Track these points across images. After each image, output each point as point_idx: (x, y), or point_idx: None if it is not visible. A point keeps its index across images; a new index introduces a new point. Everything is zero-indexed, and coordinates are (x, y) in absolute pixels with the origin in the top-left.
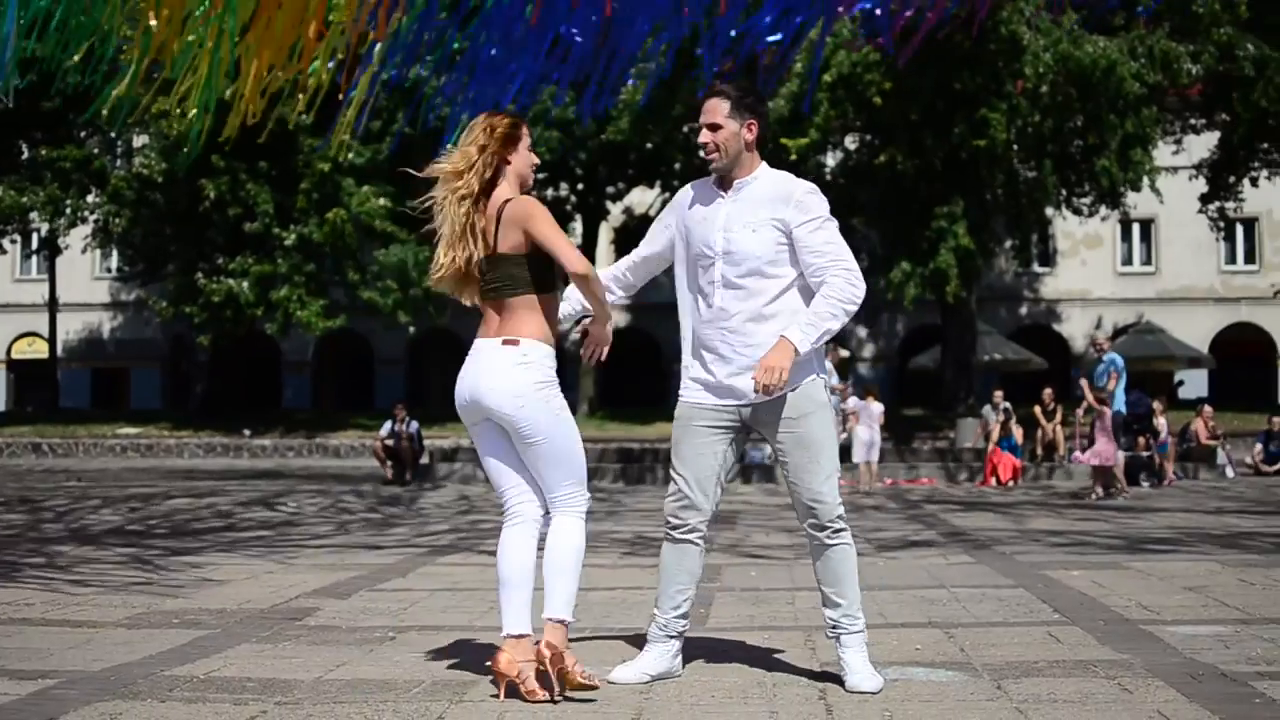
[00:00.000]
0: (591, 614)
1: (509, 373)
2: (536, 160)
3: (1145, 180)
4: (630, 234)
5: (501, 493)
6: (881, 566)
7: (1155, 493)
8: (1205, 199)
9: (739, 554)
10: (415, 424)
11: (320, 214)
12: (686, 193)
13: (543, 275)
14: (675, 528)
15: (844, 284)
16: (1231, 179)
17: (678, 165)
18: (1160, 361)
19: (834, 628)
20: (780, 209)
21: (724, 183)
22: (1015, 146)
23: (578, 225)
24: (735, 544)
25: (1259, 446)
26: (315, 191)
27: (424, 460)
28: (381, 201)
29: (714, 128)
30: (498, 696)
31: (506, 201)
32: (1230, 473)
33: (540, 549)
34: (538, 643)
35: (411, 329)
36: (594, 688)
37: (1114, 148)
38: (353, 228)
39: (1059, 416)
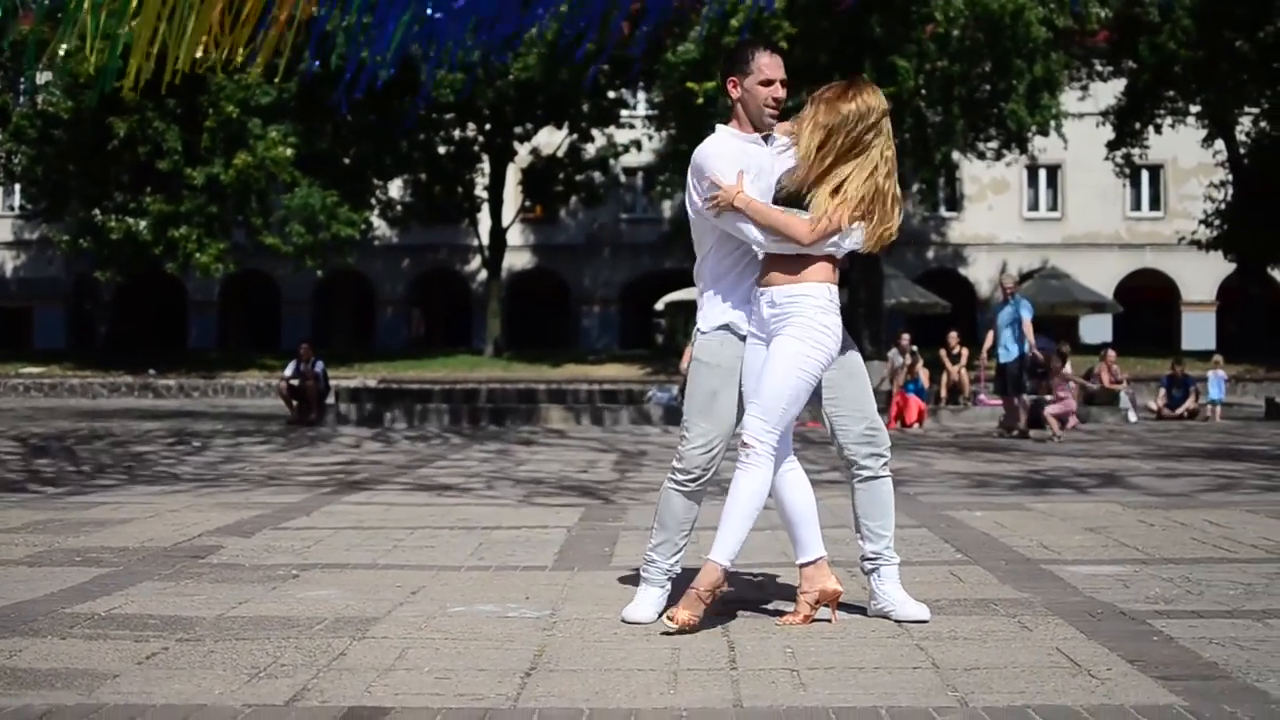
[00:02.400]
0: (496, 552)
1: None
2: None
3: (1052, 125)
4: (537, 175)
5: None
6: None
7: (1058, 435)
8: (1111, 146)
9: (643, 493)
10: (321, 364)
11: (227, 155)
12: (733, 143)
13: None
14: (697, 479)
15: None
16: (1137, 126)
17: (585, 107)
18: (1065, 307)
19: (875, 559)
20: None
21: (763, 137)
22: (923, 91)
23: (485, 166)
24: (640, 483)
25: (1162, 391)
26: (221, 131)
27: (329, 400)
28: (288, 152)
29: (784, 83)
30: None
31: None
32: (1133, 417)
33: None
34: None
35: (320, 273)
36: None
37: (1022, 92)
38: (259, 173)
39: (964, 359)
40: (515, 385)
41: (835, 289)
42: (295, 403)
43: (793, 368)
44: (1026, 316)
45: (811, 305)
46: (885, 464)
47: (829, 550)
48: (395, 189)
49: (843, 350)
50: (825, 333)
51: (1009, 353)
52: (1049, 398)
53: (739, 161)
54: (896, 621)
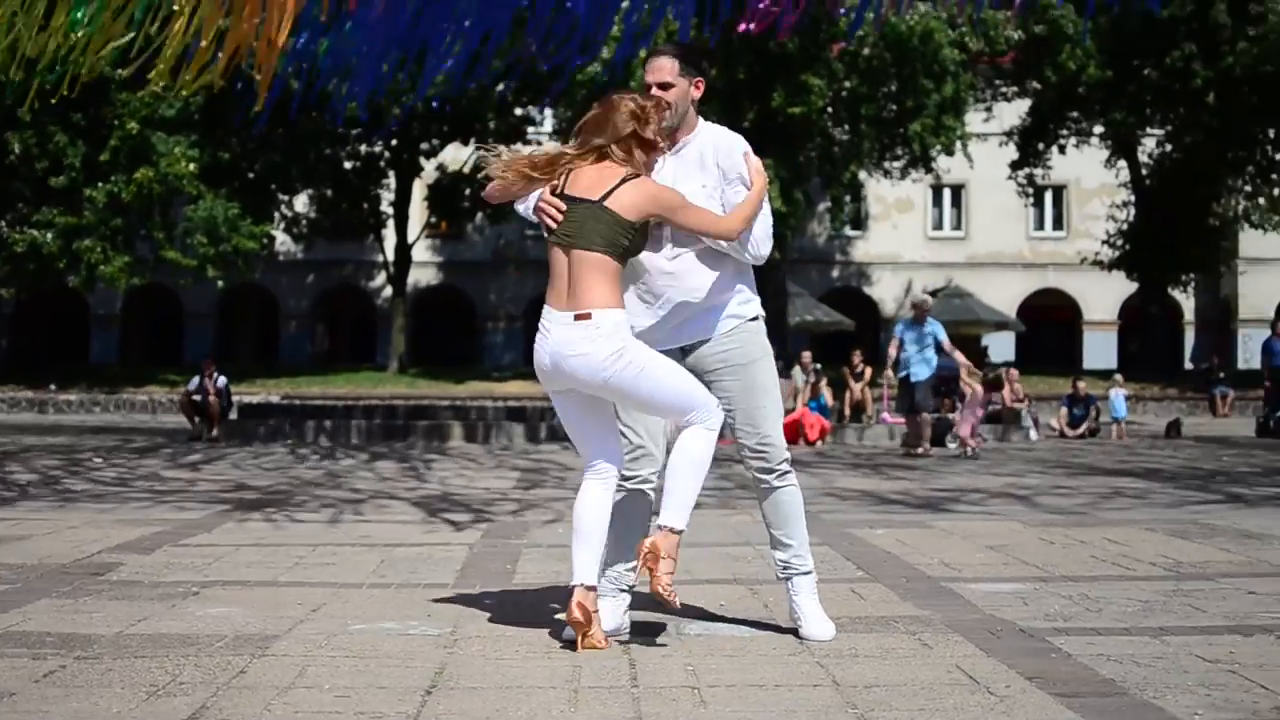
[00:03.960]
0: (398, 569)
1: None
2: None
3: (957, 145)
4: (444, 191)
5: (583, 452)
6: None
7: (960, 454)
8: (1015, 166)
9: (546, 510)
10: (223, 379)
11: (129, 170)
12: None
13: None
14: (627, 479)
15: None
16: (1041, 146)
17: (492, 123)
18: (968, 326)
19: (785, 568)
20: (724, 158)
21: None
22: (830, 110)
23: (391, 181)
24: (543, 501)
25: (1063, 410)
26: (123, 147)
27: (231, 416)
28: (191, 167)
29: (665, 86)
30: (572, 646)
31: None
32: (1035, 435)
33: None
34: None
35: (220, 284)
36: (670, 604)
37: (930, 113)
38: (161, 187)
39: (868, 378)
40: (419, 402)
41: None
42: (197, 418)
43: None
44: (945, 338)
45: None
46: (781, 475)
47: (731, 568)
48: (300, 204)
49: (748, 360)
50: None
51: (918, 373)
52: (952, 415)
53: None
54: (799, 639)
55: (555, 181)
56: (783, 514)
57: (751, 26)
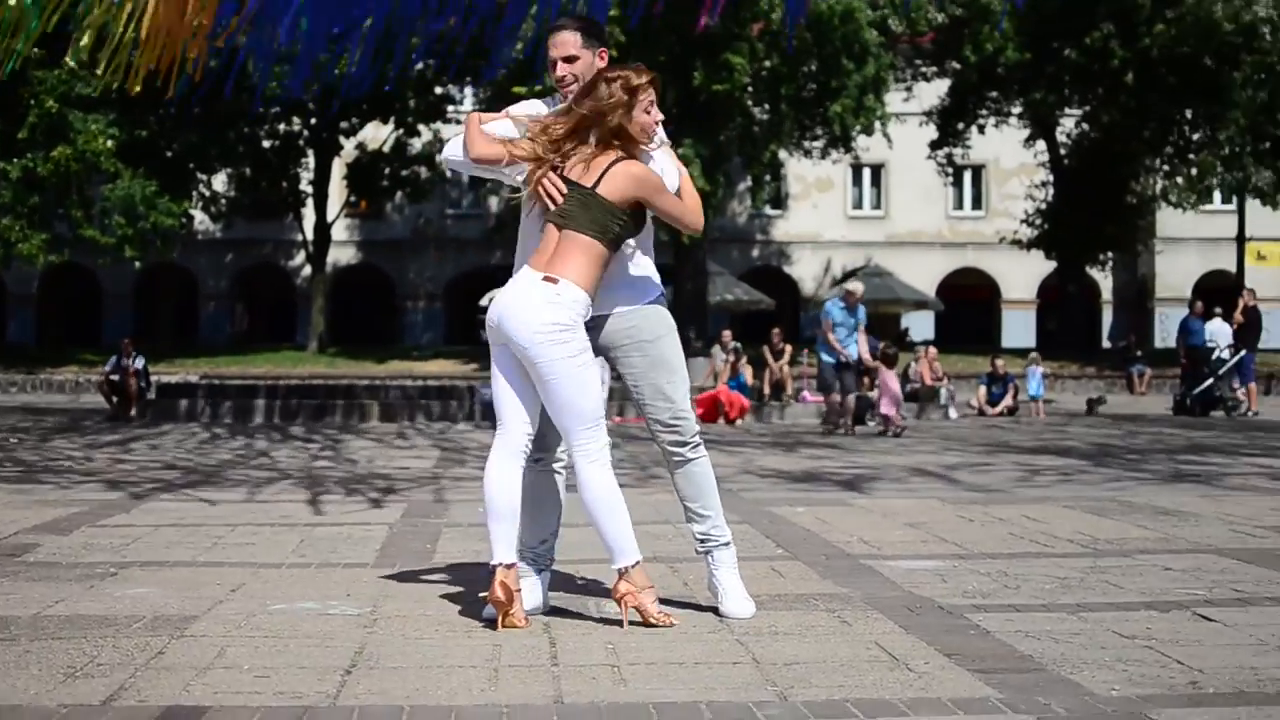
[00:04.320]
0: (318, 549)
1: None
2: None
3: (877, 125)
4: (363, 170)
5: (501, 415)
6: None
7: (882, 431)
8: (934, 145)
9: (466, 490)
10: (142, 360)
11: (47, 147)
12: (521, 108)
13: None
14: (536, 460)
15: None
16: (960, 126)
17: (412, 102)
18: (888, 305)
19: (703, 541)
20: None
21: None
22: (750, 89)
23: (310, 160)
24: (463, 480)
25: (982, 388)
26: (41, 124)
27: (150, 396)
28: (109, 144)
29: (570, 60)
30: (492, 625)
31: None
32: (953, 413)
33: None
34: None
35: (138, 264)
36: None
37: (851, 93)
38: (78, 165)
39: (787, 356)
40: (339, 381)
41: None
42: (116, 398)
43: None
44: (863, 325)
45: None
46: (694, 448)
47: (651, 546)
48: (219, 183)
49: (654, 336)
50: None
51: (831, 357)
52: (871, 394)
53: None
54: (719, 617)
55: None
56: (697, 486)
57: (705, 21)
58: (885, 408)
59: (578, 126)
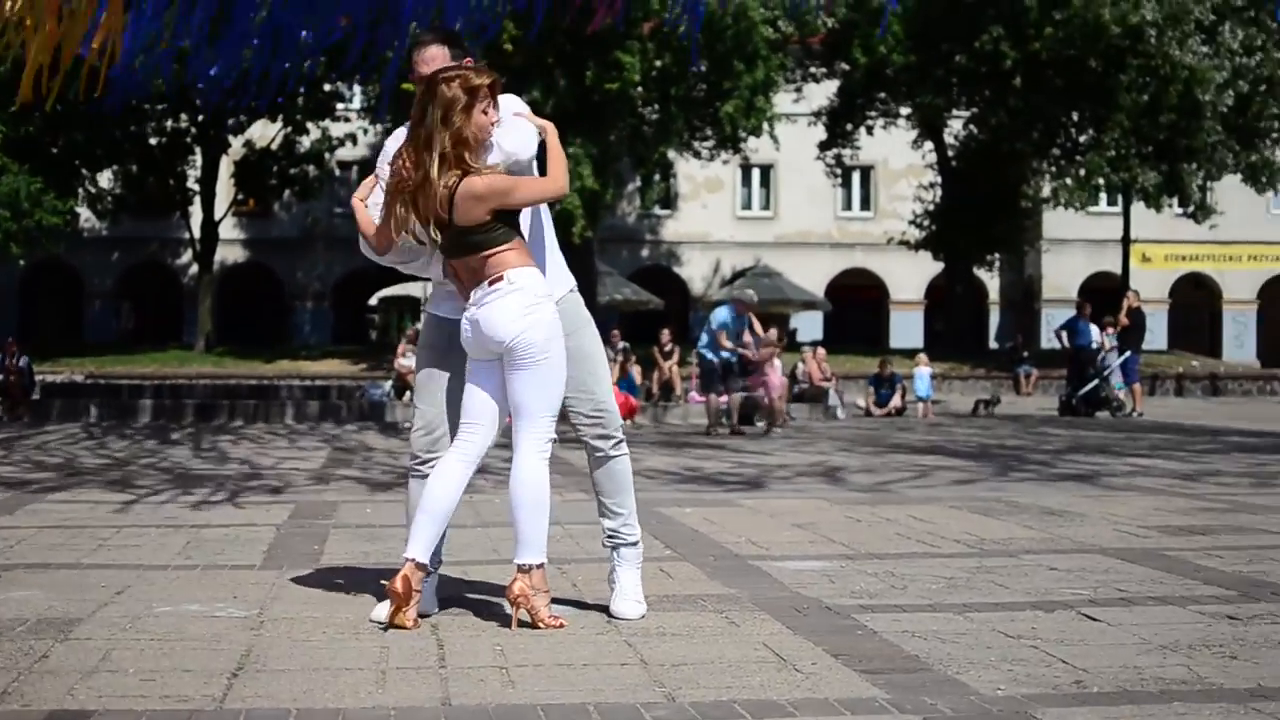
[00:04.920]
0: (204, 551)
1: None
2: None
3: (766, 127)
4: (251, 168)
5: (463, 423)
6: (498, 503)
7: (767, 431)
8: (823, 146)
9: (354, 491)
10: (26, 359)
11: None
12: (400, 140)
13: None
14: (425, 462)
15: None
16: (849, 127)
17: (300, 99)
18: (777, 305)
19: (611, 537)
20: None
21: None
22: (640, 89)
23: (198, 158)
24: (351, 481)
25: (870, 388)
26: None
27: (35, 396)
28: None
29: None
30: (382, 622)
31: None
32: (842, 414)
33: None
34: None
35: (21, 261)
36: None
37: (742, 93)
38: None
39: (676, 357)
40: (227, 381)
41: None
42: (0, 398)
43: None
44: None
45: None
46: (617, 444)
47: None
48: (105, 180)
49: (572, 329)
50: None
51: (718, 355)
52: (760, 393)
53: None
54: (608, 618)
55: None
56: (617, 482)
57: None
58: (771, 392)
59: (421, 151)
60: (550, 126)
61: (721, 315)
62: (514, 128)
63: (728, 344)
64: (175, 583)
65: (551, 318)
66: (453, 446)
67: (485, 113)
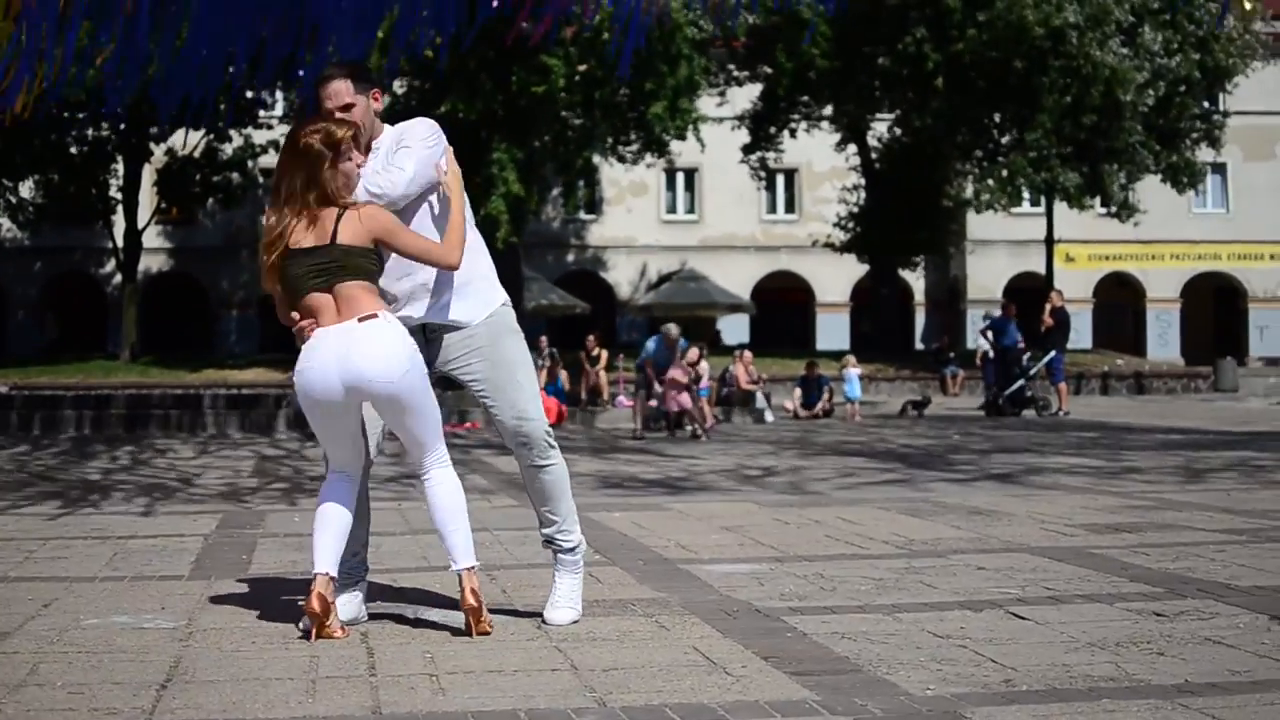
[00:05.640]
0: (131, 562)
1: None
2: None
3: (691, 129)
4: (173, 175)
5: (334, 458)
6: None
7: (694, 435)
8: (747, 150)
9: (282, 500)
10: None
11: None
12: None
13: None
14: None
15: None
16: (772, 130)
17: (223, 106)
18: (703, 308)
19: (548, 543)
20: (400, 138)
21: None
22: (564, 93)
23: (119, 167)
24: (278, 490)
25: (797, 391)
26: None
27: None
28: None
29: (346, 108)
30: (307, 636)
31: None
32: (769, 416)
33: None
34: (464, 593)
35: None
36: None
37: (666, 95)
38: None
39: (603, 361)
40: (152, 391)
41: (319, 331)
42: None
43: None
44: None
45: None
46: (544, 451)
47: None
48: (26, 189)
49: (492, 339)
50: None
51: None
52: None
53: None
54: (538, 624)
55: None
56: (547, 491)
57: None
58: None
59: (282, 207)
60: (452, 180)
61: (649, 347)
62: (391, 166)
63: (650, 375)
64: (103, 594)
65: (414, 351)
66: (334, 474)
67: (349, 158)
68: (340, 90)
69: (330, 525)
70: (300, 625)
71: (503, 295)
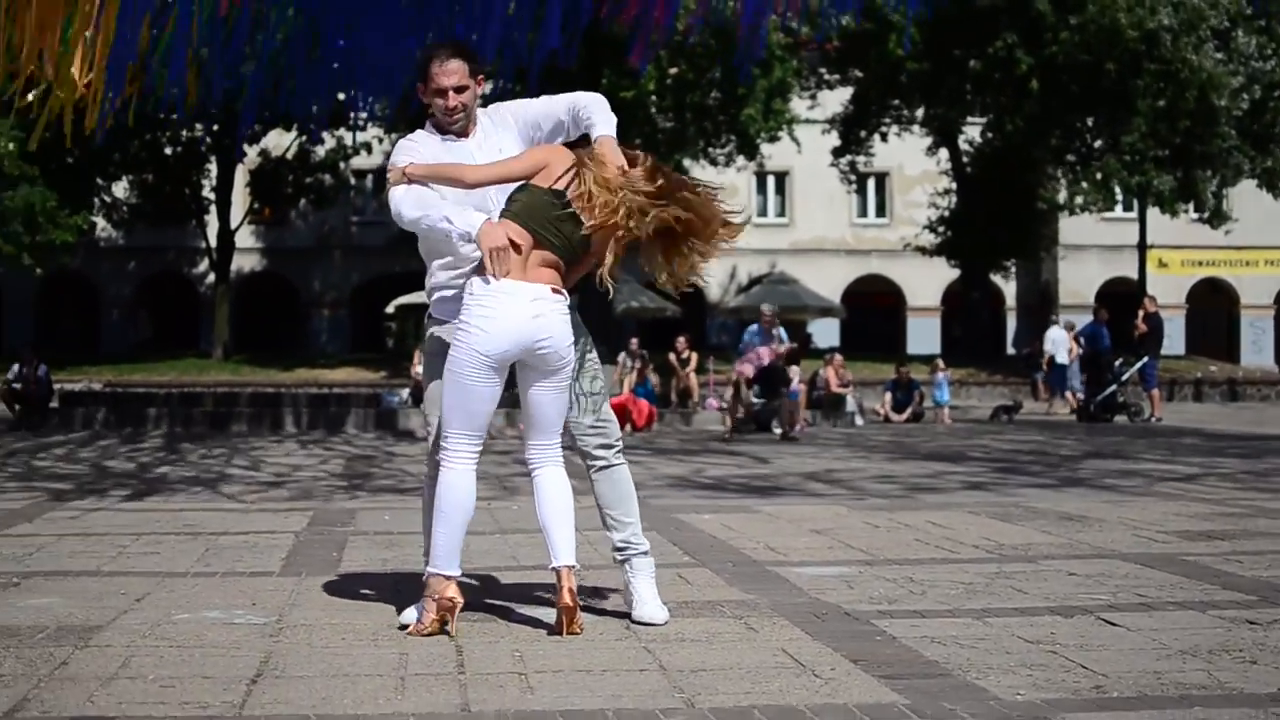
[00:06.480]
0: (223, 558)
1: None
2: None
3: (784, 131)
4: (267, 177)
5: (472, 435)
6: (516, 510)
7: (782, 437)
8: (837, 153)
9: (373, 498)
10: (44, 367)
11: None
12: (417, 150)
13: None
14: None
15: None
16: (863, 134)
17: (315, 108)
18: (793, 312)
19: (622, 550)
20: (510, 127)
21: (461, 134)
22: (654, 96)
23: (213, 168)
24: (370, 488)
25: (887, 395)
26: None
27: (53, 404)
28: (11, 146)
29: (461, 89)
30: (448, 632)
31: None
32: (860, 420)
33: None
34: (561, 592)
35: (39, 271)
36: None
37: (757, 96)
38: None
39: (693, 364)
40: (244, 389)
41: (510, 285)
42: (18, 406)
43: (447, 368)
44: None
45: (467, 298)
46: (618, 452)
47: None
48: (120, 189)
49: (575, 344)
50: (463, 329)
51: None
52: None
53: (418, 155)
54: (632, 622)
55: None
56: (620, 492)
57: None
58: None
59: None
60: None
61: (746, 337)
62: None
63: (746, 369)
64: (194, 590)
65: None
66: (459, 455)
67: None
68: (459, 70)
69: (460, 520)
70: (404, 617)
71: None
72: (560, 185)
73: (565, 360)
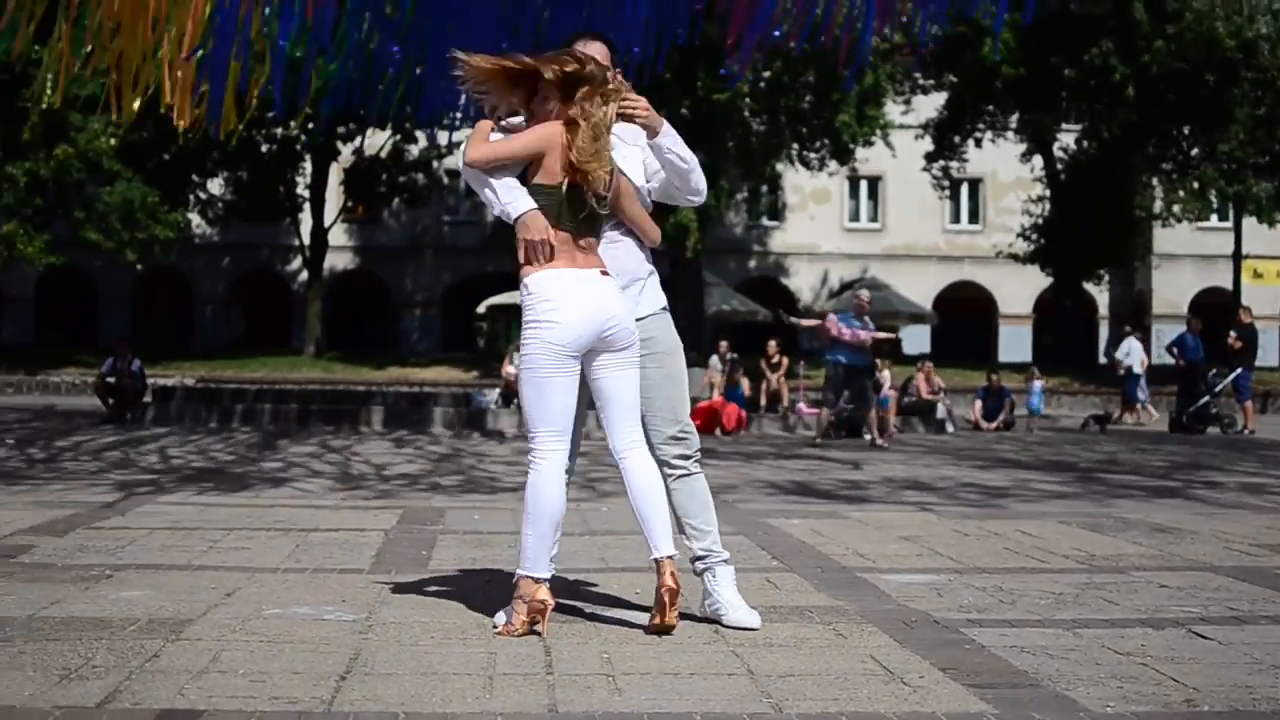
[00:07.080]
0: (313, 554)
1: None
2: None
3: (879, 135)
4: (361, 175)
5: (558, 434)
6: (605, 512)
7: (872, 444)
8: (930, 158)
9: (463, 497)
10: (138, 362)
11: (49, 147)
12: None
13: None
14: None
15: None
16: (956, 139)
17: (409, 108)
18: (884, 317)
19: (703, 559)
20: (630, 139)
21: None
22: (748, 99)
23: (307, 165)
24: (460, 487)
25: (978, 402)
26: (41, 124)
27: (146, 398)
28: (111, 143)
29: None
30: (538, 633)
31: None
32: (950, 427)
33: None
34: (664, 576)
35: (139, 266)
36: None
37: (851, 102)
38: (80, 165)
39: (784, 368)
40: (336, 386)
41: (564, 272)
42: (112, 400)
43: (523, 369)
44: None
45: (526, 297)
46: (696, 461)
47: (648, 556)
48: (215, 186)
49: (671, 349)
50: (532, 326)
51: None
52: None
53: None
54: (724, 627)
55: None
56: (700, 501)
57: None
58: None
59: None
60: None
61: (838, 316)
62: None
63: (845, 331)
64: (284, 585)
65: None
66: (550, 455)
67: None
68: (601, 50)
69: (555, 523)
70: (497, 618)
71: (664, 298)
72: (558, 166)
73: (634, 338)
